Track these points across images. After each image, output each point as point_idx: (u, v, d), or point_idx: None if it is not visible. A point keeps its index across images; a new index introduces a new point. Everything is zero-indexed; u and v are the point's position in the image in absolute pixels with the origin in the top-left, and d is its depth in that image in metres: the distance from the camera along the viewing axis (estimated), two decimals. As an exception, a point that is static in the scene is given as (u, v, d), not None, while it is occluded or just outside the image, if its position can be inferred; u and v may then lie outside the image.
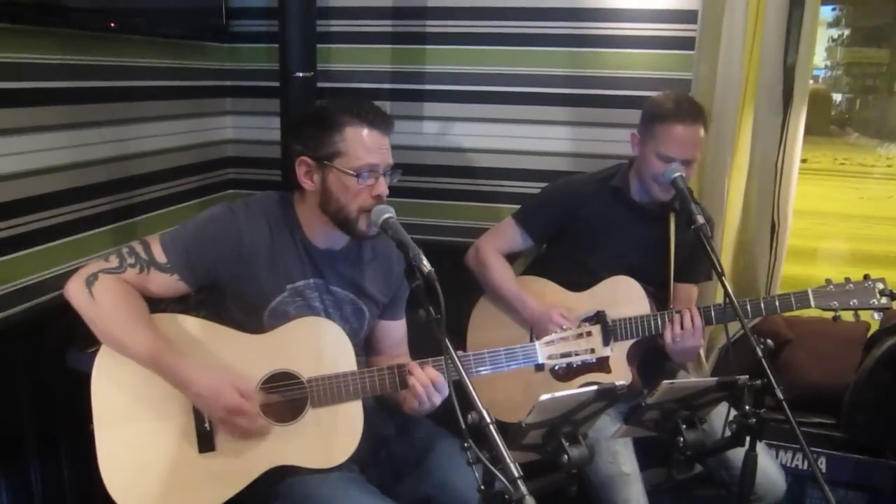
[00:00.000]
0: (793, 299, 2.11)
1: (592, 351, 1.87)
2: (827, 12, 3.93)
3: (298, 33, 2.53)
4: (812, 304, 2.10)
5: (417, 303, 1.52)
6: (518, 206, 2.44)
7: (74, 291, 1.67)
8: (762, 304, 2.13)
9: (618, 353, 2.18)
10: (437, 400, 1.72)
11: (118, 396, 1.68)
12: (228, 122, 3.13)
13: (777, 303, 2.13)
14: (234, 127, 3.14)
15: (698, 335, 2.11)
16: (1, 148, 2.02)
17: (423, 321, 1.51)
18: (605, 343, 1.88)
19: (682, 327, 2.10)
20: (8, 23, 1.99)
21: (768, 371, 1.67)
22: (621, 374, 2.16)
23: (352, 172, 1.69)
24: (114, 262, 1.70)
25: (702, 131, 2.15)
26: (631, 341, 2.20)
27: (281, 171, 2.78)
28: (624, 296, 2.22)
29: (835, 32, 4.14)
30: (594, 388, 1.45)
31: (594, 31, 2.77)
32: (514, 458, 1.31)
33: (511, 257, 2.46)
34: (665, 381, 1.56)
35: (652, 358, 2.30)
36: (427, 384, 1.70)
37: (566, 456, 1.46)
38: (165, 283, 1.72)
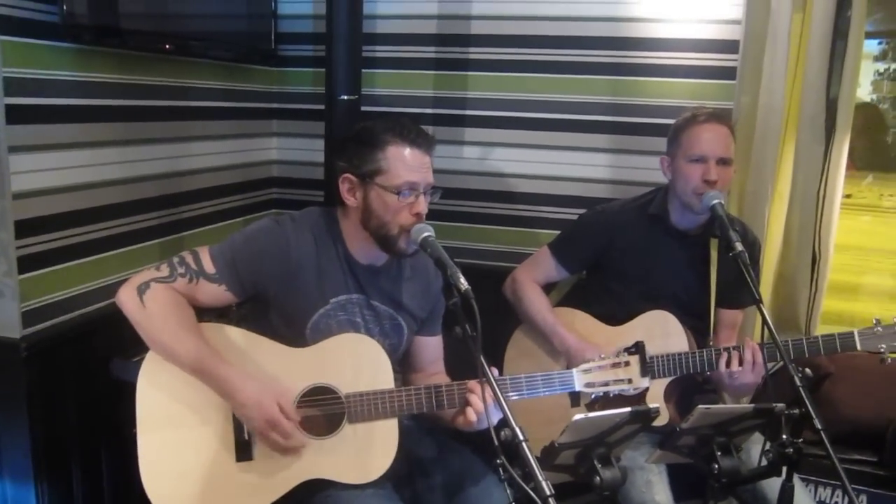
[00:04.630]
0: (838, 341, 2.07)
1: (630, 381, 1.85)
2: (873, 46, 3.89)
3: (344, 57, 2.58)
4: (858, 346, 2.05)
5: (454, 322, 1.54)
6: (556, 233, 2.45)
7: (126, 298, 1.72)
8: (805, 345, 2.08)
9: (655, 390, 2.15)
10: (495, 419, 1.71)
11: (161, 402, 1.72)
12: (274, 144, 3.21)
13: (821, 343, 2.08)
14: (280, 148, 3.21)
15: (758, 371, 2.06)
16: (59, 162, 2.11)
17: (460, 339, 1.53)
18: (644, 374, 1.86)
19: (740, 363, 2.07)
20: (70, 42, 2.08)
21: (807, 400, 1.65)
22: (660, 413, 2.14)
23: (393, 190, 1.73)
24: (165, 271, 1.75)
25: (728, 132, 2.15)
26: (668, 379, 2.17)
27: (324, 192, 2.83)
28: (661, 331, 2.20)
29: (881, 66, 4.10)
30: (628, 409, 1.46)
31: (635, 60, 2.79)
32: (547, 478, 1.32)
33: (549, 287, 2.47)
34: (700, 406, 1.56)
35: (690, 395, 2.27)
36: (489, 402, 1.71)
37: (598, 477, 1.47)
38: (213, 293, 1.77)
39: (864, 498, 2.47)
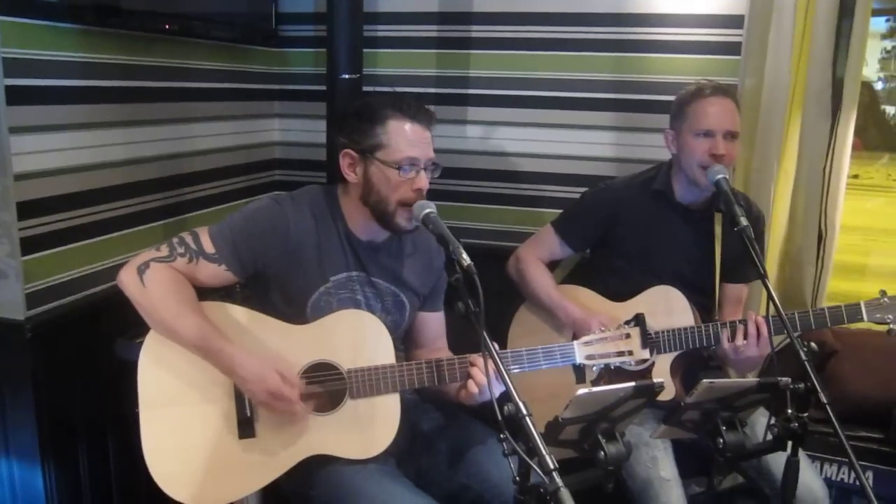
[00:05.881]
0: (844, 312, 2.05)
1: (631, 353, 1.85)
2: (880, 23, 3.84)
3: (346, 37, 2.57)
4: (865, 317, 2.04)
5: (456, 298, 1.53)
6: (560, 212, 2.44)
7: (127, 279, 1.72)
8: (811, 317, 2.07)
9: (661, 365, 2.16)
10: (497, 392, 1.71)
11: (163, 380, 1.72)
12: (276, 125, 3.20)
13: (827, 315, 2.06)
14: (282, 129, 3.21)
15: (764, 344, 2.05)
16: (60, 143, 2.10)
17: (462, 314, 1.52)
18: (644, 346, 1.86)
19: (745, 336, 2.06)
20: (70, 23, 2.08)
21: (812, 374, 1.64)
22: (664, 388, 2.13)
23: (393, 165, 1.73)
24: (164, 251, 1.75)
25: (734, 105, 2.14)
26: (674, 354, 2.17)
27: (326, 173, 2.82)
28: (666, 307, 2.19)
29: (889, 44, 4.05)
30: (632, 384, 1.45)
31: (639, 36, 2.76)
32: (551, 452, 1.32)
33: (552, 265, 2.46)
34: (705, 380, 1.55)
35: (696, 370, 2.26)
36: (491, 375, 1.70)
37: (603, 452, 1.46)
38: (213, 272, 1.77)
39: (870, 474, 2.46)
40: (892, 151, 4.03)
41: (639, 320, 1.89)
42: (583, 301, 2.30)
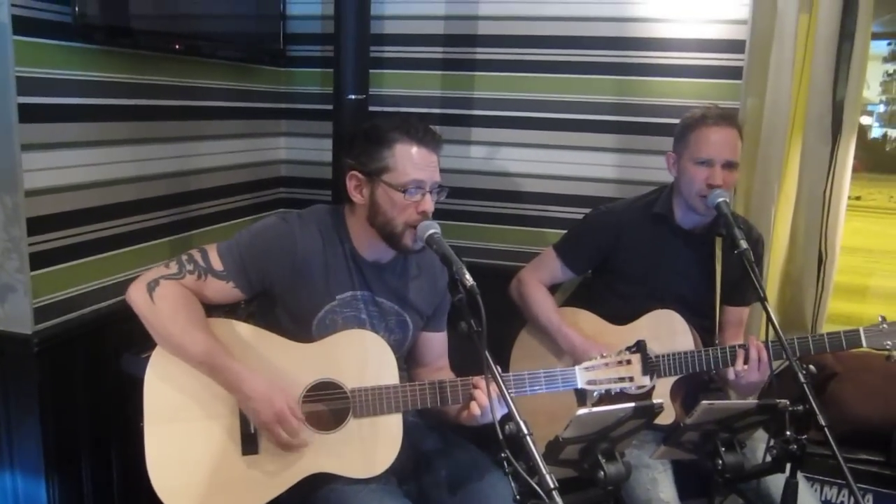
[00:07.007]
0: (843, 338, 2.07)
1: (632, 379, 1.86)
2: (882, 47, 3.87)
3: (353, 57, 2.61)
4: (864, 343, 2.05)
5: (459, 318, 1.55)
6: (562, 232, 2.46)
7: (136, 296, 1.74)
8: (810, 343, 2.08)
9: (661, 389, 2.16)
10: (499, 414, 1.73)
11: (169, 395, 1.74)
12: (282, 143, 3.23)
13: (826, 341, 2.08)
14: (288, 148, 3.24)
15: (765, 369, 2.06)
16: (70, 160, 2.13)
17: (465, 334, 1.54)
18: (645, 372, 1.87)
19: (746, 361, 2.07)
20: (81, 42, 2.11)
21: (810, 397, 1.65)
22: (664, 411, 2.14)
23: (399, 188, 1.74)
24: (173, 268, 1.77)
25: (736, 134, 2.15)
26: (674, 378, 2.17)
27: (331, 191, 2.85)
28: (667, 330, 2.20)
29: (890, 67, 4.08)
30: (632, 405, 1.47)
31: (641, 60, 2.80)
32: (551, 472, 1.33)
33: (554, 287, 2.47)
34: (704, 402, 1.57)
35: (697, 393, 2.26)
36: (494, 398, 1.72)
37: (602, 472, 1.48)
38: (221, 289, 1.79)
39: (870, 497, 2.46)
40: (879, 172, 4.06)
41: (640, 347, 1.90)
42: (584, 324, 2.31)
